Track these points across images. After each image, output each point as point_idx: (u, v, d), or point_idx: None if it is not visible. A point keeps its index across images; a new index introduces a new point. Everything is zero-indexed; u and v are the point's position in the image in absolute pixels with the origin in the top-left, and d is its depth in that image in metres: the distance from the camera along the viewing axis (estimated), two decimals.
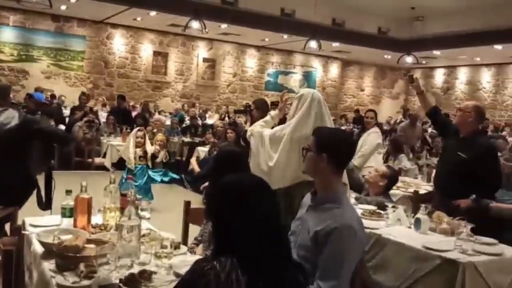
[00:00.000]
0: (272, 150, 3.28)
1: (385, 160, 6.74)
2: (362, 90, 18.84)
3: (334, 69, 18.06)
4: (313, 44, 11.46)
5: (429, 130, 10.41)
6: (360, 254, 2.12)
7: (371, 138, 5.73)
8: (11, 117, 3.50)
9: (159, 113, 12.62)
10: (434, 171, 5.17)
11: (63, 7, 11.81)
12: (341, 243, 1.99)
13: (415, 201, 4.40)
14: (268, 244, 1.49)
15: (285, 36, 13.54)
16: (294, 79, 17.18)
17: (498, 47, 12.44)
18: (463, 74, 17.24)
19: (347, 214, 2.07)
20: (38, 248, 2.16)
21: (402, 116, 14.60)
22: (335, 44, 14.01)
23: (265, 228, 1.51)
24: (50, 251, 2.04)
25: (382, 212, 3.46)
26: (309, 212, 2.18)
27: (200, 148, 8.60)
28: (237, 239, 1.49)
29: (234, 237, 1.50)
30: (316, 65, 17.65)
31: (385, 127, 11.42)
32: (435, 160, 6.59)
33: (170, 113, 13.07)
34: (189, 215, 3.20)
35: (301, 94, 3.33)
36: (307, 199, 2.29)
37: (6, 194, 3.36)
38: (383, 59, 16.60)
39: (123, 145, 8.51)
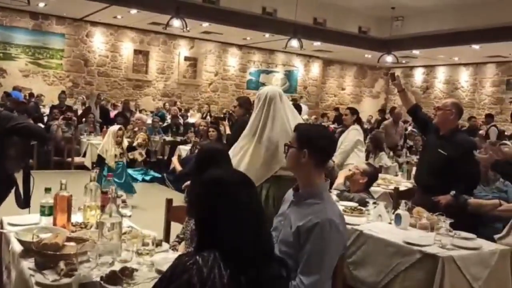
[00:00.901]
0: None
1: (366, 158, 6.82)
2: (343, 89, 18.99)
3: (316, 68, 18.16)
4: (294, 43, 11.50)
5: (409, 128, 10.56)
6: (341, 249, 2.15)
7: (350, 135, 5.78)
8: None
9: (140, 112, 12.51)
10: (414, 168, 5.26)
11: (42, 5, 11.61)
12: (323, 238, 2.00)
13: (395, 197, 4.46)
14: (250, 238, 1.50)
15: (267, 35, 13.56)
16: (276, 78, 17.22)
17: (476, 46, 12.68)
18: (441, 74, 17.53)
19: (329, 209, 2.09)
20: (17, 247, 2.13)
21: (378, 115, 14.70)
22: (316, 44, 14.08)
23: (247, 223, 1.51)
24: (29, 249, 2.01)
25: (363, 208, 3.50)
26: (291, 208, 2.19)
27: (182, 147, 8.57)
28: (219, 234, 1.49)
29: (216, 232, 1.50)
30: (298, 64, 17.72)
31: (365, 126, 11.52)
32: (415, 158, 6.68)
33: (151, 112, 12.97)
34: (171, 213, 3.18)
35: (258, 94, 3.33)
36: (289, 195, 2.30)
37: None
38: (364, 59, 16.76)
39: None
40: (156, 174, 8.41)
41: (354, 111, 6.07)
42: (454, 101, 3.98)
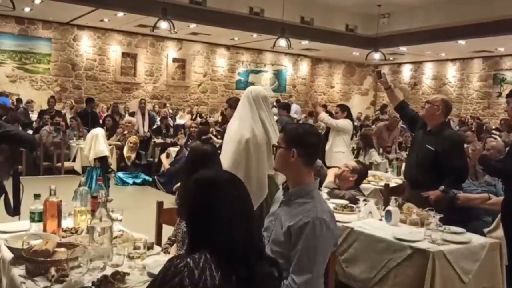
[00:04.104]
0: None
1: (356, 155, 6.86)
2: (332, 87, 19.06)
3: (304, 67, 18.21)
4: (282, 42, 11.52)
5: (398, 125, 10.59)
6: (332, 247, 2.16)
7: (343, 120, 5.93)
8: None
9: (130, 115, 12.45)
10: (404, 164, 5.30)
11: (27, 9, 11.51)
12: (314, 237, 2.02)
13: (386, 194, 4.50)
14: (241, 238, 1.51)
15: (255, 35, 13.56)
16: (265, 78, 17.24)
17: (462, 42, 12.80)
18: (429, 69, 17.66)
19: (319, 208, 2.10)
20: (7, 254, 2.11)
21: (380, 112, 14.76)
22: (304, 42, 14.12)
23: (238, 222, 1.52)
24: (19, 256, 1.99)
25: (354, 206, 3.52)
26: (282, 208, 2.20)
27: (172, 149, 8.55)
28: (210, 234, 1.50)
29: (207, 232, 1.51)
30: (286, 63, 17.76)
31: (355, 123, 11.57)
32: (404, 154, 6.73)
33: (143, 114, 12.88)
34: (162, 215, 3.17)
35: (246, 94, 3.35)
36: (280, 194, 2.31)
37: None
38: (352, 56, 16.83)
39: None
40: (147, 177, 8.40)
41: (344, 108, 6.13)
42: (444, 98, 4.02)
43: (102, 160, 6.25)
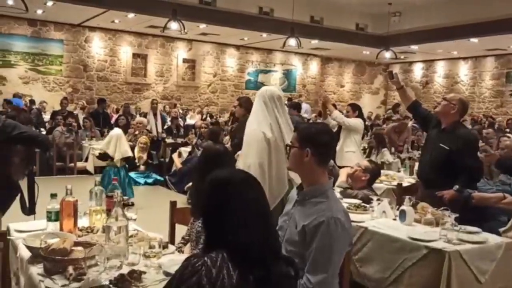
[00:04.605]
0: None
1: (368, 154, 6.83)
2: (342, 86, 18.99)
3: (314, 66, 18.16)
4: (292, 42, 11.50)
5: (410, 123, 10.53)
6: (347, 246, 2.15)
7: (354, 119, 5.91)
8: None
9: (141, 115, 12.52)
10: (416, 164, 5.26)
11: (40, 11, 11.62)
12: (329, 236, 2.01)
13: (398, 193, 4.47)
14: (257, 237, 1.51)
15: (264, 35, 13.56)
16: (275, 78, 17.23)
17: (474, 40, 12.68)
18: (441, 68, 17.52)
19: (334, 207, 2.10)
20: (25, 253, 2.13)
21: (392, 111, 14.65)
22: (314, 42, 14.09)
23: (254, 222, 1.52)
24: (37, 255, 2.01)
25: (367, 205, 3.50)
26: (296, 207, 2.20)
27: (183, 149, 8.58)
28: (226, 234, 1.50)
29: (223, 232, 1.51)
30: (296, 62, 17.73)
31: (366, 122, 11.52)
32: (417, 153, 6.68)
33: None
34: (175, 215, 3.19)
35: (262, 94, 3.38)
36: (294, 194, 2.30)
37: None
38: (362, 55, 16.76)
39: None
40: (158, 177, 8.44)
41: (355, 107, 6.09)
42: (461, 98, 3.99)
43: (129, 160, 6.33)
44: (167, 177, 8.08)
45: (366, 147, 7.69)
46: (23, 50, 13.08)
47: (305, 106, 14.19)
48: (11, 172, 3.56)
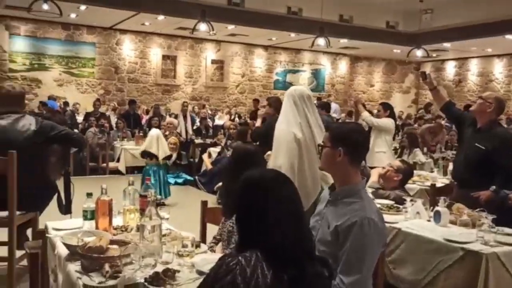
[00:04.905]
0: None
1: (400, 154, 6.72)
2: (372, 85, 18.75)
3: (343, 66, 18.00)
4: (321, 41, 11.43)
5: (443, 123, 10.32)
6: (381, 247, 2.12)
7: (385, 119, 5.81)
8: (28, 124, 3.55)
9: (170, 116, 12.68)
10: (450, 164, 5.15)
11: (73, 15, 11.92)
12: (362, 236, 1.99)
13: (432, 194, 4.37)
14: (292, 237, 1.50)
15: (293, 35, 13.52)
16: (303, 77, 17.16)
17: (510, 37, 12.28)
18: (474, 66, 17.06)
19: (367, 207, 2.07)
20: (63, 251, 2.19)
21: (424, 111, 14.38)
22: (343, 41, 13.95)
23: (288, 221, 1.52)
24: (74, 253, 2.06)
25: (400, 206, 3.45)
26: (328, 207, 2.18)
27: (212, 149, 8.65)
28: (260, 233, 1.50)
29: (257, 231, 1.51)
30: (325, 62, 17.61)
31: (397, 122, 11.35)
32: (450, 153, 6.54)
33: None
34: (206, 214, 3.21)
35: (291, 93, 3.36)
36: (326, 194, 2.29)
37: (27, 200, 3.40)
38: (393, 54, 16.49)
39: (137, 149, 8.63)
40: (188, 177, 8.53)
41: (387, 106, 6.01)
42: (497, 96, 3.89)
43: (169, 159, 6.55)
44: (196, 177, 8.16)
45: (398, 147, 7.56)
46: (57, 53, 13.45)
47: (334, 106, 14.09)
48: (49, 172, 3.67)
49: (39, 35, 13.15)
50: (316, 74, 17.47)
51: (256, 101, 13.22)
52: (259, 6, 11.73)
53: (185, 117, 10.35)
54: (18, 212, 3.37)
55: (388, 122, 5.90)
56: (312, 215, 2.33)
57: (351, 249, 1.98)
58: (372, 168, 4.92)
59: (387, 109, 5.96)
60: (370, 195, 3.68)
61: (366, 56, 17.99)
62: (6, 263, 3.46)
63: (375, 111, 7.31)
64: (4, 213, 3.33)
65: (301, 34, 12.99)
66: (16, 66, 13.04)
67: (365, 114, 5.76)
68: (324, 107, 8.60)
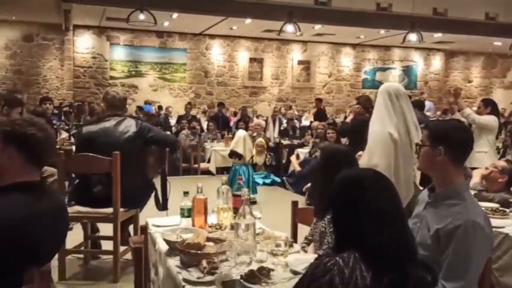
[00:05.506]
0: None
1: (503, 154, 6.23)
2: (470, 81, 17.59)
3: (437, 62, 17.10)
4: (412, 37, 10.92)
5: None
6: (488, 253, 1.97)
7: (488, 116, 5.39)
8: (129, 126, 3.81)
9: (257, 117, 12.88)
10: None
11: (166, 23, 12.56)
12: (467, 241, 1.86)
13: None
14: (393, 237, 1.44)
15: (382, 31, 13.12)
16: (393, 75, 16.55)
17: None
18: None
19: (471, 210, 1.94)
20: (163, 246, 2.29)
21: None
22: (437, 35, 13.26)
23: (389, 221, 1.46)
24: (174, 248, 2.16)
25: (506, 210, 3.19)
26: (428, 209, 2.08)
27: (299, 150, 8.63)
28: (359, 234, 1.46)
29: (356, 232, 1.47)
30: (417, 58, 16.85)
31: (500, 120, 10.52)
32: None
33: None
34: (297, 215, 3.20)
35: (386, 90, 3.23)
36: (424, 195, 2.18)
37: (129, 197, 3.64)
38: (493, 47, 15.36)
39: (226, 150, 8.88)
40: (276, 178, 8.59)
41: (488, 103, 5.57)
42: None
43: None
44: (285, 178, 8.19)
45: (500, 147, 7.01)
46: (152, 60, 14.29)
47: (428, 104, 13.39)
48: (147, 171, 3.91)
49: (136, 44, 14.06)
50: (407, 71, 16.77)
51: (319, 100, 13.00)
52: (347, 4, 11.50)
53: (274, 122, 10.39)
54: (121, 209, 3.62)
55: (490, 120, 5.47)
56: (410, 217, 2.23)
57: (454, 254, 1.87)
58: (472, 169, 4.60)
59: (488, 105, 5.53)
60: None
61: (462, 50, 16.93)
62: (111, 256, 3.73)
63: (474, 108, 6.82)
64: (109, 210, 3.59)
65: (391, 30, 12.58)
66: (116, 73, 14.05)
67: (467, 111, 5.38)
68: (417, 105, 8.19)
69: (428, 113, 11.85)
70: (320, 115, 11.81)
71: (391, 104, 3.13)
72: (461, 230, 1.87)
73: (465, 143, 2.08)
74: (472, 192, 3.61)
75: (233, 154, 6.61)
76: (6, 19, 12.81)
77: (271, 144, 9.30)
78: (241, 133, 6.80)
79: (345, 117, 8.48)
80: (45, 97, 7.66)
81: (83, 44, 13.73)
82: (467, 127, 2.25)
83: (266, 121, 10.60)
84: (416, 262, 1.51)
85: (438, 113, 12.72)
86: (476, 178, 3.82)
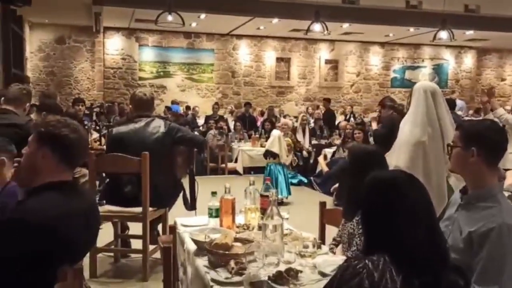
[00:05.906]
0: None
1: None
2: (503, 79, 17.09)
3: (469, 60, 16.69)
4: (443, 34, 10.68)
5: None
6: None
7: None
8: (158, 126, 3.86)
9: (284, 117, 12.83)
10: None
11: (194, 24, 12.68)
12: (500, 244, 1.81)
13: None
14: (424, 240, 1.42)
15: (411, 29, 12.91)
16: (423, 74, 16.24)
17: None
18: None
19: (506, 213, 1.89)
20: (191, 246, 2.31)
21: None
22: (469, 32, 12.95)
23: (421, 223, 1.43)
24: (202, 248, 2.17)
25: None
26: (460, 212, 2.03)
27: (327, 150, 8.57)
28: (391, 236, 1.44)
29: (387, 234, 1.45)
30: (448, 56, 16.49)
31: None
32: None
33: (295, 117, 13.20)
34: (325, 216, 3.17)
35: (411, 90, 3.16)
36: (456, 197, 2.13)
37: (158, 197, 3.69)
38: None
39: (253, 150, 8.90)
40: (303, 178, 8.55)
41: None
42: None
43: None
44: (312, 178, 8.15)
45: None
46: (180, 61, 14.45)
47: (460, 103, 13.08)
48: (176, 171, 3.95)
49: (164, 45, 14.24)
50: (438, 69, 16.43)
51: (327, 100, 12.80)
52: (375, 2, 11.35)
53: (304, 130, 10.11)
54: (150, 209, 3.67)
55: None
56: (441, 220, 2.18)
57: (488, 258, 1.82)
58: (506, 170, 4.48)
59: None
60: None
61: (495, 48, 16.48)
62: (140, 255, 3.79)
63: (507, 107, 6.62)
64: (138, 209, 3.65)
65: (421, 28, 12.36)
66: (144, 74, 14.27)
67: (500, 111, 5.22)
68: (448, 104, 8.02)
69: (459, 112, 11.57)
70: (328, 115, 11.70)
71: (425, 104, 3.07)
72: (495, 233, 1.82)
73: (499, 144, 2.02)
74: (506, 194, 3.53)
75: (268, 153, 6.64)
76: (39, 22, 13.19)
77: (304, 153, 9.25)
78: (276, 132, 6.83)
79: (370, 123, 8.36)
80: (78, 99, 7.83)
81: (113, 45, 14.00)
82: (501, 127, 2.19)
83: (293, 126, 10.51)
84: (449, 265, 1.48)
85: (471, 112, 12.41)
86: (510, 179, 3.73)
